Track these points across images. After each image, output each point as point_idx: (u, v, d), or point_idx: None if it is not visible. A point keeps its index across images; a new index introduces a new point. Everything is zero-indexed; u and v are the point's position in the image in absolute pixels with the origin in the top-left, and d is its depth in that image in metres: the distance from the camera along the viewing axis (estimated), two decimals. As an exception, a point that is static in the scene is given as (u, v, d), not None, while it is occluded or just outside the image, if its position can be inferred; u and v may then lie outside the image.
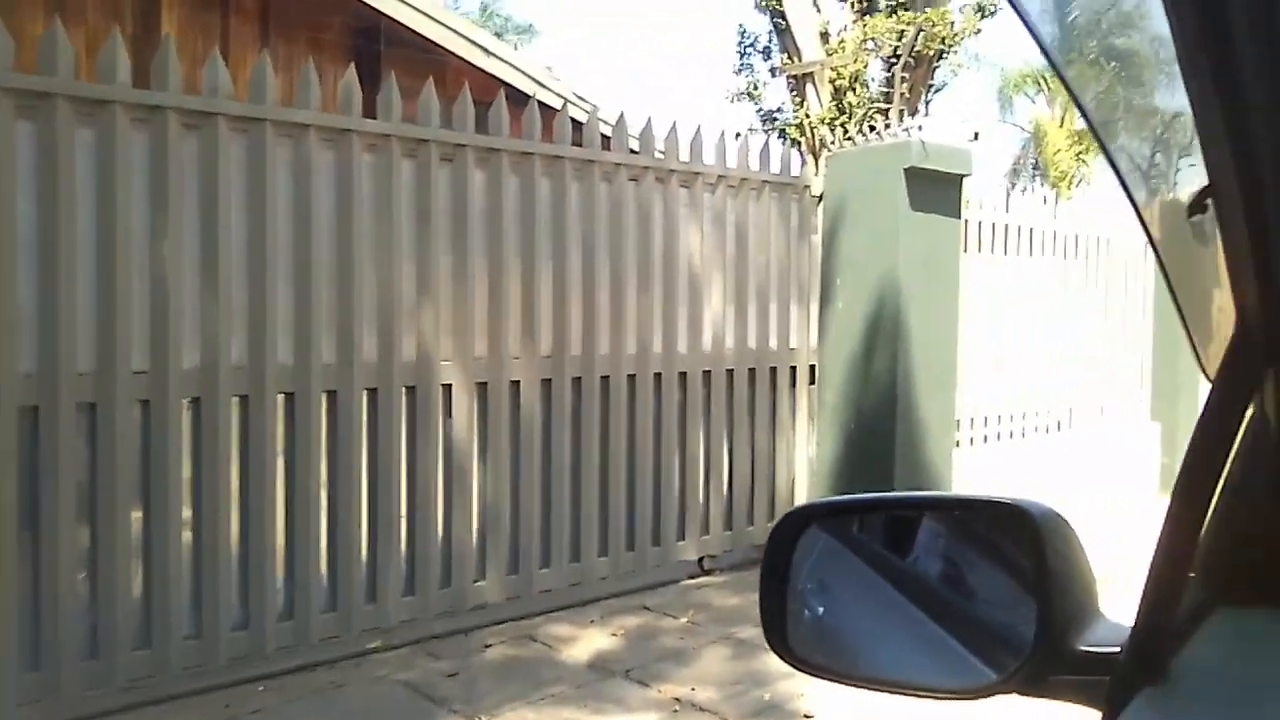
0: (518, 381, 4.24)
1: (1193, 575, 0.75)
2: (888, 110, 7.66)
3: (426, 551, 4.02)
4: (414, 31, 5.66)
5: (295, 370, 3.67)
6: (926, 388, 5.28)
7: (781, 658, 0.93)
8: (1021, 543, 0.82)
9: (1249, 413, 0.74)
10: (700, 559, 4.98)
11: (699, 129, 4.85)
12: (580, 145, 4.42)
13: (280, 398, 3.66)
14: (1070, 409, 6.80)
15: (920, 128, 5.41)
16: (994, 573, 0.92)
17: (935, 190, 5.26)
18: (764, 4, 8.82)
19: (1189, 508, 0.67)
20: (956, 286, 5.57)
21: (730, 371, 5.03)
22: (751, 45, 9.33)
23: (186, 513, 3.51)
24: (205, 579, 3.52)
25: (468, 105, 4.04)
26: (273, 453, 3.64)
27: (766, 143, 5.33)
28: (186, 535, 3.51)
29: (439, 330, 4.00)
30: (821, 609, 1.00)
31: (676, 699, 3.57)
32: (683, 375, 4.82)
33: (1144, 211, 0.81)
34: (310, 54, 4.16)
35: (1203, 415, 0.67)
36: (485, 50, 5.79)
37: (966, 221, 5.74)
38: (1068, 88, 0.64)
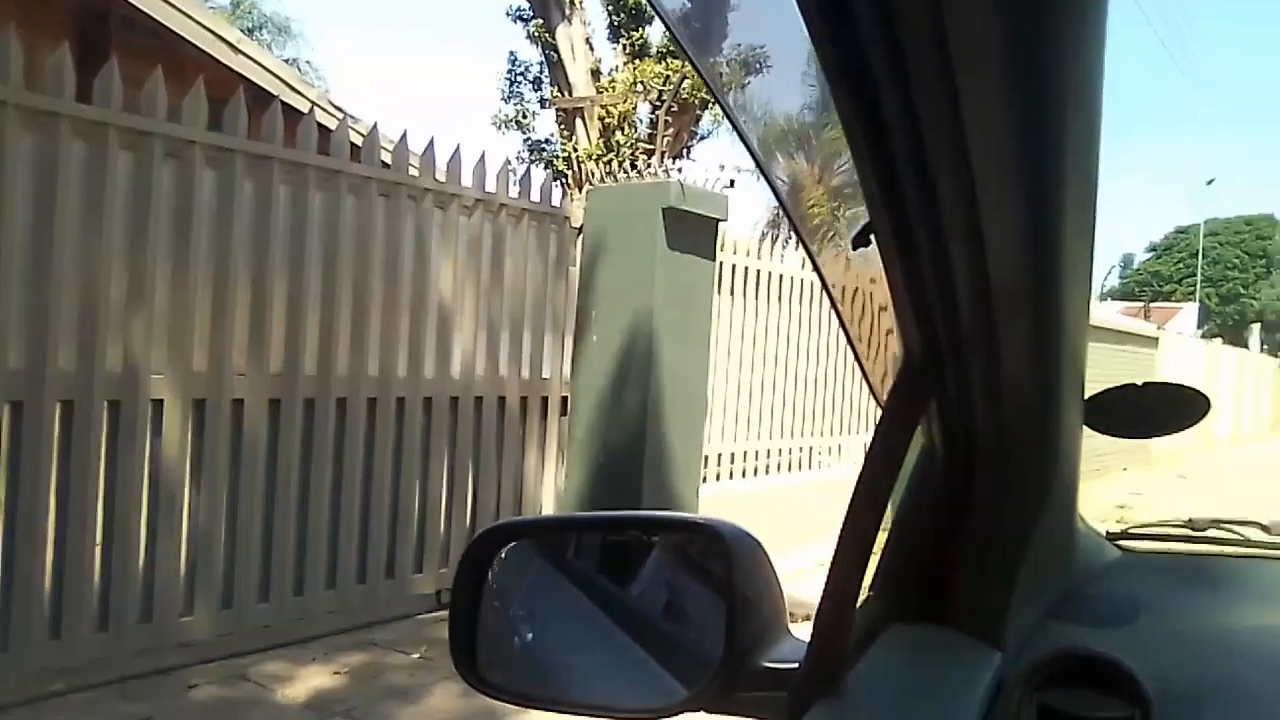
0: (241, 400, 3.94)
1: (871, 594, 0.79)
2: (653, 151, 7.83)
3: (124, 583, 3.64)
4: (151, 18, 5.21)
5: (-27, 376, 3.25)
6: (676, 423, 5.36)
7: (468, 681, 0.90)
8: (714, 562, 0.84)
9: (921, 441, 0.77)
10: (438, 592, 4.80)
11: (458, 148, 4.73)
12: (328, 154, 4.20)
13: (-48, 407, 3.23)
14: (810, 448, 7.14)
15: (680, 171, 5.55)
16: (694, 592, 0.92)
17: (692, 232, 5.38)
18: (536, 35, 8.85)
19: (860, 529, 0.69)
20: (709, 326, 5.73)
21: (479, 399, 4.91)
22: (522, 74, 9.34)
23: None
24: None
25: (200, 100, 3.75)
26: (-61, 469, 3.19)
27: (528, 170, 5.29)
28: None
29: (151, 340, 3.65)
30: (530, 634, 0.99)
31: (401, 739, 3.41)
32: (428, 401, 4.65)
33: (816, 253, 0.82)
34: (24, 30, 3.73)
35: (872, 442, 0.69)
36: (231, 45, 5.43)
37: (721, 264, 5.93)
38: (743, 137, 0.67)
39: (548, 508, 5.36)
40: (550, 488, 5.38)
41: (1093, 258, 0.63)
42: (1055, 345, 0.65)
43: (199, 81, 3.81)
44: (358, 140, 4.43)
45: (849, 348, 0.86)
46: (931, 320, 0.62)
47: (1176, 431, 0.81)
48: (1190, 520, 1.08)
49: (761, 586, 0.82)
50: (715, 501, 5.80)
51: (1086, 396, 0.77)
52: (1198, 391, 0.80)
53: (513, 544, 1.00)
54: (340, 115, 4.91)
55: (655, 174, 5.55)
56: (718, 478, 6.21)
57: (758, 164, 0.69)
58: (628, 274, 5.25)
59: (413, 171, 4.55)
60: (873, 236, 0.59)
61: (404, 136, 4.52)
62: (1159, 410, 0.82)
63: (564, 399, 5.39)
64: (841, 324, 0.86)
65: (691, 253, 5.43)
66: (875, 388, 0.82)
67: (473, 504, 4.93)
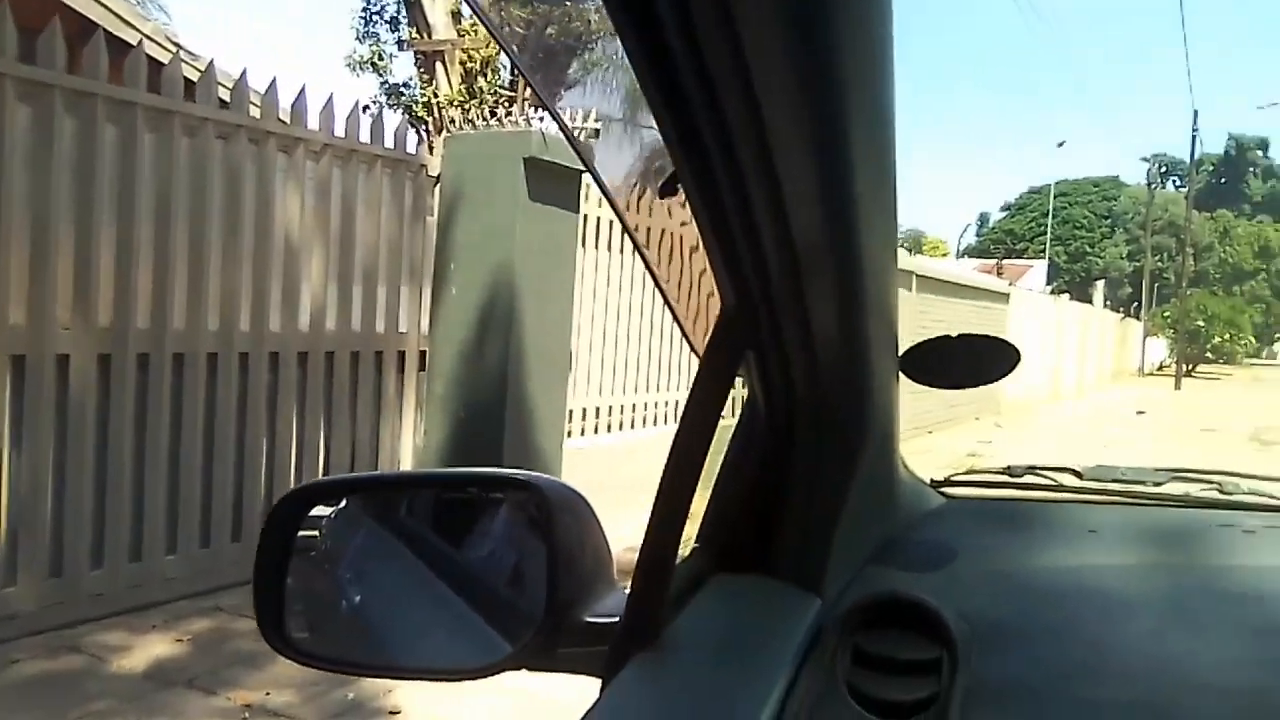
0: (67, 356, 3.69)
1: (697, 545, 0.79)
2: (515, 99, 7.66)
3: (-65, 554, 3.38)
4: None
5: None
6: (539, 378, 5.29)
7: (277, 649, 0.87)
8: (536, 518, 0.83)
9: (745, 394, 0.78)
10: (289, 554, 4.64)
11: (303, 89, 4.50)
12: (159, 93, 3.92)
13: None
14: (676, 402, 7.18)
15: (543, 120, 5.43)
16: (524, 551, 0.91)
17: (554, 183, 5.28)
18: (394, -28, 8.52)
19: (680, 480, 0.69)
20: (572, 279, 5.65)
21: (331, 354, 4.73)
22: (378, 14, 8.99)
23: None
24: None
25: (7, 26, 3.43)
26: None
27: (380, 114, 5.09)
28: None
29: (-41, 292, 3.37)
30: (358, 597, 0.97)
31: (248, 705, 3.31)
32: (275, 355, 4.45)
33: (627, 212, 0.81)
34: None
35: (691, 393, 0.69)
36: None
37: (585, 217, 5.85)
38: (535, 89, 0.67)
39: (406, 464, 5.24)
40: (409, 443, 5.25)
41: (895, 214, 0.65)
42: (862, 297, 0.67)
43: (5, 7, 3.49)
44: (192, 76, 4.16)
45: (664, 301, 0.84)
46: (742, 272, 0.62)
47: (990, 381, 0.83)
48: (1009, 467, 1.12)
49: (585, 541, 0.81)
50: (580, 456, 5.78)
51: (906, 348, 0.78)
52: (1008, 343, 0.83)
53: (342, 505, 0.98)
54: (174, 49, 4.60)
55: (517, 122, 5.42)
56: (583, 432, 6.20)
57: (554, 117, 0.68)
58: (487, 225, 5.12)
59: (254, 113, 4.30)
60: (680, 186, 0.59)
61: (244, 74, 4.27)
62: (972, 361, 0.84)
63: (422, 353, 5.25)
64: (653, 276, 0.85)
65: (554, 204, 5.33)
66: (692, 340, 0.82)
67: (325, 463, 4.77)
